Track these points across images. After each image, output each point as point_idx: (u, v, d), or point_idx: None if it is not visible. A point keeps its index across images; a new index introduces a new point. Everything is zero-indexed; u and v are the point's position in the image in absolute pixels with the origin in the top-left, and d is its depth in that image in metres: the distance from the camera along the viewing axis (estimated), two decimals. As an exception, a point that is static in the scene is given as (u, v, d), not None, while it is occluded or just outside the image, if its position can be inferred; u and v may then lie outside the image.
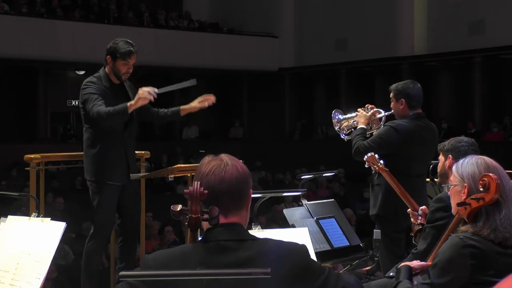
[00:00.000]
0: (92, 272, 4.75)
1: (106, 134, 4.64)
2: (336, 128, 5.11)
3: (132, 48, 4.65)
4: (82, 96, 4.65)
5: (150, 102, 4.59)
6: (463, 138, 3.75)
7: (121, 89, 4.74)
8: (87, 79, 4.72)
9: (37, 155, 4.95)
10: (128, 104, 4.47)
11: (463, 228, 2.67)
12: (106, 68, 4.72)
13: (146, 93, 4.44)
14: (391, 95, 4.86)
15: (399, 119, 4.82)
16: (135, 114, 4.71)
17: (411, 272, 2.74)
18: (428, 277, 2.61)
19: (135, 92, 4.68)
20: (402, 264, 2.82)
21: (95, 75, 4.73)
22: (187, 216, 2.08)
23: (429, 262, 2.80)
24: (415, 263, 2.82)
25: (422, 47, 17.85)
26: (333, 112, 5.16)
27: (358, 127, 4.88)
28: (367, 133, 4.88)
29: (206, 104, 4.77)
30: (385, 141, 4.63)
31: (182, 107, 4.89)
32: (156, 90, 4.50)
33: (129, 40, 4.71)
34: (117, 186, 4.68)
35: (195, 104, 4.80)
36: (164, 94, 4.83)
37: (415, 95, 4.80)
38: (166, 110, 4.93)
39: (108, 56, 4.66)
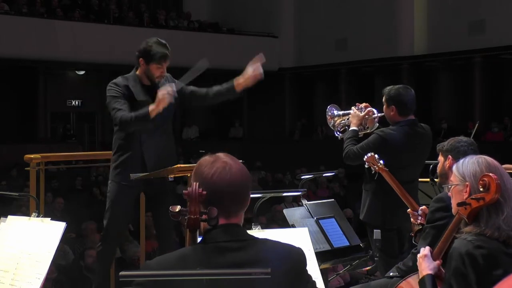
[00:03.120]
0: (107, 274, 4.64)
1: (124, 133, 4.42)
2: (330, 124, 5.06)
3: (167, 52, 4.42)
4: (107, 98, 4.43)
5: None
6: (462, 138, 3.73)
7: (153, 90, 4.38)
8: (113, 80, 4.46)
9: (37, 155, 4.94)
10: (150, 109, 4.20)
11: (466, 229, 2.66)
12: (138, 70, 4.46)
13: (166, 94, 4.17)
14: (383, 99, 4.76)
15: (390, 123, 4.77)
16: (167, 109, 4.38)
17: (434, 281, 2.71)
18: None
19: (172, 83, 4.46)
20: (426, 273, 2.75)
21: (126, 75, 4.48)
22: (185, 217, 2.08)
23: (440, 261, 2.78)
24: (432, 267, 2.75)
25: (422, 47, 17.84)
26: (328, 106, 5.11)
27: (350, 129, 4.82)
28: (362, 133, 4.84)
29: (260, 70, 4.46)
30: (372, 150, 4.49)
31: (236, 81, 4.51)
32: (174, 87, 4.24)
33: (162, 41, 4.46)
34: (130, 187, 4.42)
35: (249, 72, 4.51)
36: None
37: (407, 102, 4.67)
38: (219, 87, 4.56)
39: (141, 58, 4.41)
